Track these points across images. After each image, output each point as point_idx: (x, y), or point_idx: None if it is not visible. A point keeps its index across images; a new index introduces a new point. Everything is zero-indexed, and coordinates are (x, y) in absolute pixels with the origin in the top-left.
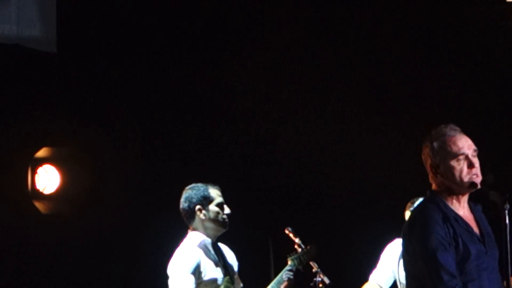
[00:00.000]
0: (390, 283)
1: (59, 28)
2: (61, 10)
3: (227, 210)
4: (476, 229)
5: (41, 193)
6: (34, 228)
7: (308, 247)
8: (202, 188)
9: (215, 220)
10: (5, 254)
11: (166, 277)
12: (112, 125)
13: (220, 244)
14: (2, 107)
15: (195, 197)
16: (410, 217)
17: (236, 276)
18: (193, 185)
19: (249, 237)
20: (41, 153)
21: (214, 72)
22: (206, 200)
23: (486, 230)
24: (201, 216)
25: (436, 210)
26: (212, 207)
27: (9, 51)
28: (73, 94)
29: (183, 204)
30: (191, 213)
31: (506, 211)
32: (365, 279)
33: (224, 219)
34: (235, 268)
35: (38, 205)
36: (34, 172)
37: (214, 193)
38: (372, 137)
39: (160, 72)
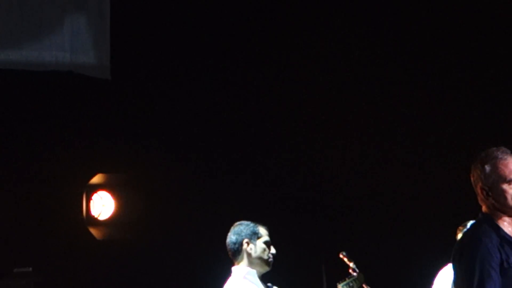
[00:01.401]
0: None
1: (113, 55)
2: (114, 37)
3: (273, 250)
4: None
5: (96, 219)
6: (89, 254)
7: (357, 274)
8: (251, 224)
9: (261, 257)
10: (61, 280)
11: None
12: (166, 151)
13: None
14: (57, 134)
15: (244, 231)
16: (460, 240)
17: None
18: (242, 221)
19: (301, 263)
20: (96, 179)
21: (265, 96)
22: (254, 236)
23: None
24: (248, 250)
25: (488, 233)
26: (260, 243)
27: (63, 78)
28: (127, 120)
29: (230, 237)
30: (238, 247)
31: None
32: None
33: (269, 257)
34: None
35: (93, 231)
36: (89, 199)
37: (263, 231)
38: (423, 159)
39: (214, 96)
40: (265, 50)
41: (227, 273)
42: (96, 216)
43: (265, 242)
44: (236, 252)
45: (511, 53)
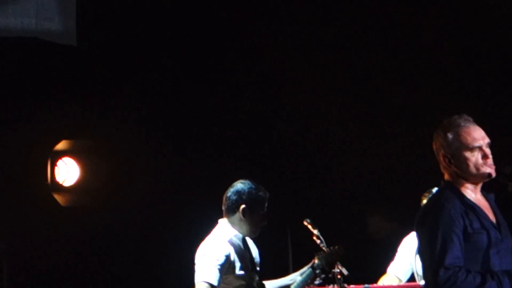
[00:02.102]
0: (408, 275)
1: (79, 21)
2: (80, 3)
3: (265, 221)
4: (491, 217)
5: (61, 186)
6: (53, 220)
7: (336, 247)
8: (261, 193)
9: (255, 225)
10: (25, 246)
11: (188, 267)
12: (131, 118)
13: (247, 239)
14: (22, 101)
15: (249, 196)
16: (423, 207)
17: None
18: (249, 182)
19: (267, 227)
20: (61, 145)
21: (232, 70)
22: (257, 205)
23: (500, 218)
24: (243, 216)
25: (451, 199)
26: (257, 212)
27: (28, 44)
28: (92, 87)
29: (232, 194)
30: (234, 207)
31: None
32: (383, 272)
33: (259, 228)
34: (258, 261)
35: (58, 197)
36: (53, 165)
37: (263, 202)
38: (386, 128)
39: (180, 64)
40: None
41: (191, 238)
42: (61, 183)
43: (263, 214)
44: (230, 210)
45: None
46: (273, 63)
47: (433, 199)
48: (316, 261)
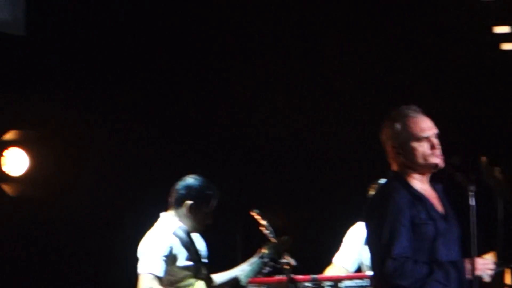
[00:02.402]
0: (355, 265)
1: (28, 11)
2: None
3: (210, 220)
4: (439, 207)
5: (9, 176)
6: (1, 210)
7: (284, 238)
8: (210, 191)
9: (199, 223)
10: None
11: (135, 258)
12: (80, 108)
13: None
14: None
15: (197, 193)
16: (371, 197)
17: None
18: (201, 179)
19: (216, 219)
20: (9, 136)
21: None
22: (203, 203)
23: (448, 208)
24: (189, 212)
25: (399, 189)
26: (203, 210)
27: None
28: (42, 77)
29: (181, 187)
30: (181, 201)
31: (472, 193)
32: (329, 262)
33: (204, 226)
34: (204, 253)
35: (6, 187)
36: (0, 155)
37: (214, 199)
38: (334, 119)
39: (128, 53)
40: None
41: (139, 229)
42: (8, 173)
43: (209, 210)
44: (176, 203)
45: None
46: (219, 54)
47: (381, 190)
48: (265, 251)
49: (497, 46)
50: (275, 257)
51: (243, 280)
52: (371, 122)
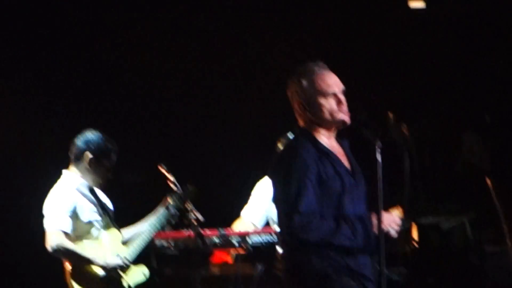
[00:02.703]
0: (263, 220)
1: None
2: None
3: (110, 174)
4: (346, 163)
5: None
6: None
7: (188, 186)
8: (109, 145)
9: (100, 176)
10: None
11: (40, 216)
12: None
13: (95, 188)
14: None
15: (97, 146)
16: (278, 152)
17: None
18: (99, 133)
19: (124, 173)
20: None
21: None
22: (103, 155)
23: (354, 164)
24: (89, 165)
25: (306, 145)
26: (103, 164)
27: None
28: None
29: (80, 142)
30: (81, 155)
31: (378, 148)
32: (237, 215)
33: (105, 177)
34: (110, 209)
35: None
36: None
37: (113, 154)
38: (241, 75)
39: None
40: None
41: (42, 188)
42: None
43: (109, 164)
44: (77, 158)
45: None
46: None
47: (288, 146)
48: (170, 201)
49: (406, 3)
50: (180, 206)
51: (151, 231)
52: (279, 78)
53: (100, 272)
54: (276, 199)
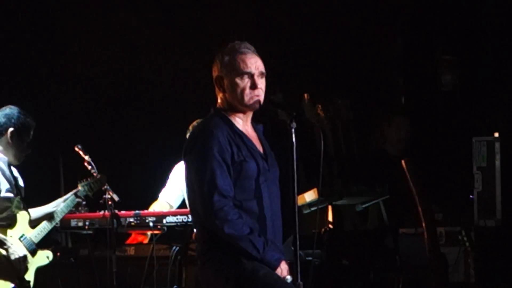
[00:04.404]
0: (179, 201)
1: None
2: None
3: (29, 150)
4: (259, 147)
5: None
6: None
7: (99, 176)
8: (28, 119)
9: (20, 151)
10: None
11: None
12: None
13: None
14: None
15: (18, 120)
16: (192, 132)
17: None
18: (18, 108)
19: (40, 153)
20: None
21: None
22: (24, 131)
23: (267, 148)
24: (10, 140)
25: (220, 126)
26: (24, 139)
27: None
28: None
29: (1, 117)
30: (3, 130)
31: (293, 130)
32: (155, 198)
33: (24, 156)
34: (22, 187)
35: None
36: None
37: (31, 129)
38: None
39: None
40: None
41: None
42: None
43: (28, 142)
44: None
45: None
46: None
47: (202, 126)
48: (79, 188)
49: None
50: (88, 194)
51: (58, 215)
52: (198, 61)
53: (4, 253)
54: (190, 180)
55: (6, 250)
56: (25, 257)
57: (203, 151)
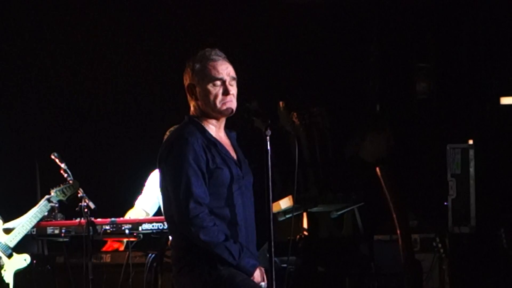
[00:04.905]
0: (155, 208)
1: None
2: None
3: None
4: (233, 154)
5: None
6: None
7: (71, 182)
8: None
9: None
10: None
11: None
12: None
13: None
14: None
15: None
16: (167, 140)
17: None
18: None
19: (16, 161)
20: None
21: None
22: None
23: (241, 155)
24: None
25: (194, 133)
26: None
27: None
28: None
29: None
30: None
31: (268, 137)
32: (131, 205)
33: None
34: None
35: None
36: None
37: None
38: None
39: None
40: None
41: None
42: None
43: None
44: None
45: None
46: None
47: (176, 133)
48: (52, 193)
49: None
50: (62, 199)
51: (32, 220)
52: (173, 67)
53: None
54: (165, 187)
55: None
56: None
57: (178, 159)
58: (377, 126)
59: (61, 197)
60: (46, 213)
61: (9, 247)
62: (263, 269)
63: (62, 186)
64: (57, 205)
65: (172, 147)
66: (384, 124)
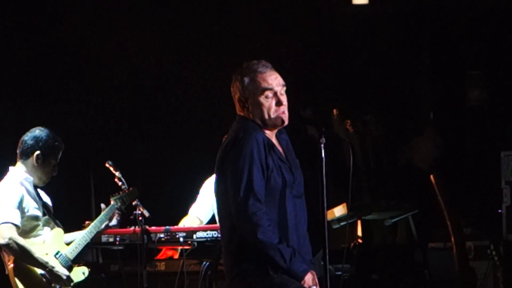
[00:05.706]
0: (209, 216)
1: None
2: None
3: (55, 172)
4: (287, 158)
5: None
6: None
7: (131, 189)
8: (57, 143)
9: (45, 174)
10: None
11: None
12: None
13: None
14: None
15: (45, 144)
16: (229, 136)
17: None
18: (48, 130)
19: (70, 171)
20: None
21: None
22: (51, 154)
23: (293, 159)
24: (35, 162)
25: (257, 129)
26: (50, 162)
27: None
28: None
29: (29, 138)
30: (29, 152)
31: (322, 145)
32: (185, 213)
33: (50, 177)
34: (51, 205)
35: None
36: None
37: (60, 152)
38: (189, 75)
39: None
40: None
41: None
42: None
43: (55, 164)
44: (24, 154)
45: None
46: None
47: (239, 128)
48: (112, 202)
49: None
50: (121, 208)
51: (92, 231)
52: (222, 76)
53: (41, 271)
54: (221, 189)
55: (50, 271)
56: (68, 278)
57: (244, 152)
58: (429, 132)
59: (120, 205)
60: (106, 221)
61: (69, 259)
62: (315, 273)
63: (121, 193)
64: (118, 212)
65: (237, 141)
66: (435, 130)
